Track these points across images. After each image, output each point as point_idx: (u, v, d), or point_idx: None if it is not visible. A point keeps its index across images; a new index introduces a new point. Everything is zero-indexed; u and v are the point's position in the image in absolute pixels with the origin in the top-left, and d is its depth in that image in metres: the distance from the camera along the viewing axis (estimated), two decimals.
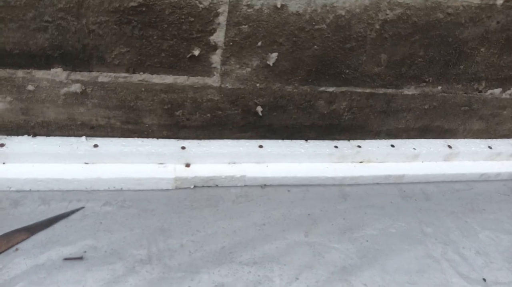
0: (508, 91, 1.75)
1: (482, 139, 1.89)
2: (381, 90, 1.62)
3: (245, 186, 1.59)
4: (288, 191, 1.61)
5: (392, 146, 1.76)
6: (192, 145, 1.55)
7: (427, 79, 1.62)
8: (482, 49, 1.57)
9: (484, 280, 1.42)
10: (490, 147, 1.86)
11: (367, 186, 1.71)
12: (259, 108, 1.55)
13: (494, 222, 1.65)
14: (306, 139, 1.70)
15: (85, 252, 1.26)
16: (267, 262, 1.33)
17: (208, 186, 1.55)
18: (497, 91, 1.74)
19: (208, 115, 1.53)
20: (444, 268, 1.43)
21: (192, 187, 1.54)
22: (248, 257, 1.33)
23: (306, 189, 1.64)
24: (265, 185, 1.61)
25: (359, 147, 1.72)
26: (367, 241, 1.48)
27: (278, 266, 1.32)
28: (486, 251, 1.52)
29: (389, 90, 1.63)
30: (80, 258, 1.24)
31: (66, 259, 1.23)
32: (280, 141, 1.66)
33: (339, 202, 1.61)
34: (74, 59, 1.34)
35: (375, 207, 1.62)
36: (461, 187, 1.79)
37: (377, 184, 1.73)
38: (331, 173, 1.66)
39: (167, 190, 1.52)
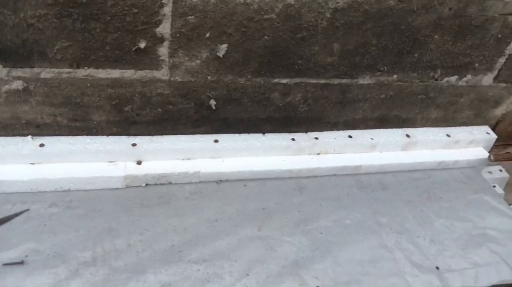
0: (465, 79, 1.76)
1: (441, 128, 1.89)
2: (336, 81, 1.60)
3: (200, 182, 1.56)
4: (245, 185, 1.59)
5: (350, 136, 1.75)
6: (144, 141, 1.51)
7: (382, 68, 1.60)
8: (435, 37, 1.56)
9: (437, 268, 1.43)
10: (448, 135, 1.87)
11: (324, 177, 1.70)
12: (212, 102, 1.51)
13: (450, 210, 1.67)
14: (263, 133, 1.67)
15: (26, 256, 1.22)
16: (217, 259, 1.31)
17: (161, 184, 1.52)
18: (453, 79, 1.74)
19: (159, 110, 1.49)
20: (397, 257, 1.44)
21: (144, 185, 1.50)
22: (197, 255, 1.31)
23: (263, 183, 1.62)
24: (221, 180, 1.58)
25: (316, 138, 1.70)
26: (321, 233, 1.47)
27: (228, 263, 1.30)
28: (440, 239, 1.54)
29: (344, 81, 1.61)
30: (21, 263, 1.20)
31: (5, 264, 1.19)
32: (236, 135, 1.63)
33: (295, 194, 1.60)
34: (14, 55, 1.27)
35: (331, 198, 1.61)
36: (419, 176, 1.80)
37: (334, 175, 1.72)
38: (288, 165, 1.64)
39: (117, 188, 1.47)
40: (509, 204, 2.48)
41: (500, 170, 2.18)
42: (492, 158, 1.85)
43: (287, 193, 1.60)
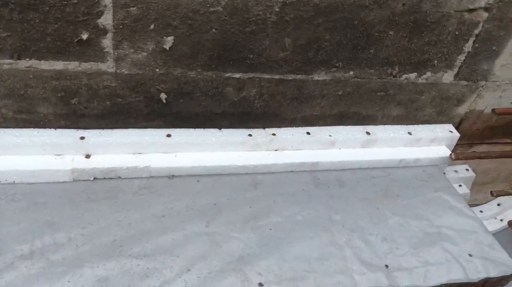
0: (424, 76, 1.74)
1: (402, 125, 1.88)
2: (291, 76, 1.58)
3: (150, 177, 1.53)
4: (198, 181, 1.57)
5: (308, 133, 1.73)
6: (93, 135, 1.48)
7: (337, 64, 1.59)
8: (390, 33, 1.55)
9: (387, 266, 1.41)
10: (410, 133, 1.86)
11: (281, 174, 1.68)
12: (163, 95, 1.49)
13: (407, 207, 1.65)
14: (220, 128, 1.65)
15: None
16: (159, 255, 1.28)
17: (110, 178, 1.49)
18: (412, 76, 1.73)
19: (108, 103, 1.47)
20: (346, 255, 1.42)
21: (91, 179, 1.47)
22: (139, 250, 1.29)
23: (217, 179, 1.60)
24: (173, 175, 1.56)
25: (274, 134, 1.68)
26: (270, 229, 1.45)
27: (170, 258, 1.28)
28: (393, 237, 1.52)
29: (299, 76, 1.59)
30: None
31: None
32: (191, 130, 1.61)
33: (249, 190, 1.58)
34: None
35: (286, 194, 1.59)
36: (379, 174, 1.78)
37: (292, 171, 1.70)
38: (243, 161, 1.62)
39: (64, 182, 1.45)
40: (477, 204, 2.48)
41: (467, 169, 2.17)
42: (453, 156, 1.83)
43: (241, 188, 1.58)
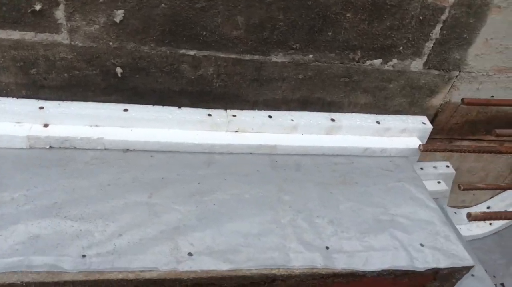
0: (390, 63, 1.71)
1: (371, 115, 1.84)
2: (248, 56, 1.59)
3: (105, 149, 1.57)
4: (151, 156, 1.59)
5: (270, 116, 1.72)
6: (52, 106, 1.54)
7: (294, 46, 1.58)
8: (348, 15, 1.53)
9: (327, 248, 1.38)
10: (378, 122, 1.81)
11: (239, 155, 1.68)
12: (118, 70, 1.54)
13: (363, 195, 1.61)
14: (179, 106, 1.67)
15: None
16: (94, 219, 1.31)
17: (65, 147, 1.54)
18: (377, 62, 1.69)
19: (65, 75, 1.52)
20: (287, 234, 1.39)
21: (47, 147, 1.53)
22: (76, 213, 1.32)
23: (172, 155, 1.62)
24: (128, 149, 1.59)
25: (234, 116, 1.69)
26: (214, 204, 1.45)
27: (105, 223, 1.31)
28: (341, 222, 1.48)
29: (256, 57, 1.60)
30: None
31: None
32: (149, 106, 1.64)
33: (202, 168, 1.59)
34: None
35: (239, 174, 1.59)
36: (341, 161, 1.74)
37: (251, 153, 1.70)
38: (200, 140, 1.63)
39: (21, 149, 1.51)
40: (466, 206, 2.38)
41: (447, 166, 2.09)
42: (421, 147, 1.76)
43: (194, 166, 1.59)
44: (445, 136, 2.01)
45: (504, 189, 1.90)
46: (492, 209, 2.36)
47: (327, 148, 1.74)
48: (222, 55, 1.57)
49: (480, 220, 1.45)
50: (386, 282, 1.40)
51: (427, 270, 1.39)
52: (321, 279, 1.32)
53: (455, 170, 2.16)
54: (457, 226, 2.33)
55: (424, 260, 1.40)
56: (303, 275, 1.29)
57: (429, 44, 1.68)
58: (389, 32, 1.61)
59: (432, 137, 2.00)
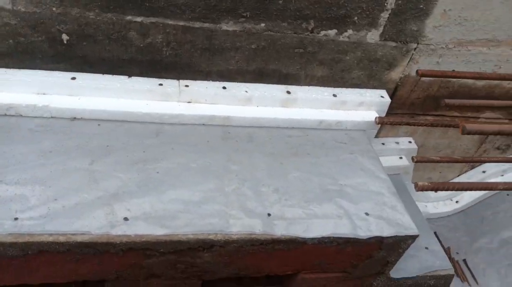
0: (346, 34, 1.68)
1: (328, 88, 1.82)
2: (197, 24, 1.56)
3: (52, 117, 1.55)
4: (99, 125, 1.57)
5: (224, 87, 1.70)
6: None
7: (244, 14, 1.55)
8: None
9: (269, 214, 1.37)
10: (335, 95, 1.79)
11: (191, 126, 1.65)
12: (64, 36, 1.51)
13: (313, 165, 1.59)
14: (130, 76, 1.65)
15: None
16: (31, 184, 1.30)
17: (10, 115, 1.52)
18: (332, 33, 1.67)
19: (11, 41, 1.50)
20: (230, 201, 1.38)
21: None
22: (12, 177, 1.30)
23: (120, 124, 1.59)
24: (75, 117, 1.57)
25: (187, 86, 1.67)
26: (157, 172, 1.43)
27: (41, 188, 1.29)
28: (287, 190, 1.46)
29: (206, 25, 1.57)
30: None
31: None
32: (98, 75, 1.61)
33: (150, 137, 1.57)
34: None
35: (187, 144, 1.57)
36: (296, 133, 1.72)
37: (204, 125, 1.68)
38: (149, 109, 1.61)
39: None
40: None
41: (410, 142, 2.08)
42: (377, 120, 1.75)
43: (141, 135, 1.57)
44: (406, 111, 1.99)
45: (457, 161, 1.88)
46: None
47: (282, 120, 1.73)
48: (170, 22, 1.54)
49: (427, 190, 1.44)
50: (329, 250, 1.39)
51: (370, 238, 1.38)
52: (260, 246, 1.31)
53: (420, 146, 2.15)
54: (423, 204, 2.34)
55: (367, 229, 1.39)
56: (242, 240, 1.28)
57: (385, 15, 1.65)
58: (342, 1, 1.58)
59: (394, 113, 1.99)
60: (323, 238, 1.34)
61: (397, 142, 2.05)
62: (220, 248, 1.28)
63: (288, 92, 1.76)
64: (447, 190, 1.47)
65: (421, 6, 1.65)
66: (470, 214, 2.32)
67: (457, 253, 2.18)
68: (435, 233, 2.24)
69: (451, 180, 2.40)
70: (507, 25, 1.76)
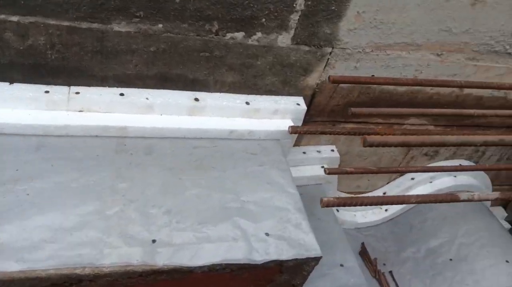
0: (254, 37, 1.55)
1: (241, 95, 1.69)
2: (84, 25, 1.39)
3: None
4: None
5: (122, 94, 1.54)
6: None
7: (137, 14, 1.39)
8: None
9: (154, 241, 1.22)
10: (247, 103, 1.66)
11: (80, 138, 1.48)
12: None
13: (216, 180, 1.46)
14: (11, 82, 1.46)
15: None
16: None
17: None
18: (239, 35, 1.54)
19: None
20: (109, 226, 1.22)
21: None
22: None
23: None
24: None
25: (77, 93, 1.49)
26: (27, 194, 1.25)
27: None
28: (181, 210, 1.33)
29: (95, 25, 1.40)
30: None
31: None
32: None
33: (29, 152, 1.38)
34: None
35: (71, 159, 1.40)
36: (203, 144, 1.59)
37: (97, 136, 1.51)
38: (31, 121, 1.43)
39: None
40: (361, 192, 2.30)
41: (332, 150, 2.00)
42: (290, 130, 1.64)
43: (19, 150, 1.38)
44: (327, 119, 1.90)
45: (372, 172, 1.80)
46: (388, 195, 2.29)
47: (188, 130, 1.58)
48: (52, 22, 1.36)
49: (333, 206, 1.34)
50: (223, 278, 1.26)
51: (267, 262, 1.27)
52: (139, 278, 1.16)
53: (345, 154, 2.07)
54: (352, 213, 2.27)
55: (265, 252, 1.27)
56: (115, 273, 1.13)
57: (295, 17, 1.54)
58: (246, 2, 1.46)
59: (313, 120, 1.89)
60: (213, 265, 1.21)
61: (319, 151, 1.95)
62: (90, 282, 1.12)
63: (197, 99, 1.61)
64: (355, 205, 1.37)
65: (333, 7, 1.54)
66: (399, 222, 2.27)
67: (384, 264, 2.12)
68: (362, 243, 2.18)
69: (380, 187, 2.34)
70: (424, 28, 1.70)
